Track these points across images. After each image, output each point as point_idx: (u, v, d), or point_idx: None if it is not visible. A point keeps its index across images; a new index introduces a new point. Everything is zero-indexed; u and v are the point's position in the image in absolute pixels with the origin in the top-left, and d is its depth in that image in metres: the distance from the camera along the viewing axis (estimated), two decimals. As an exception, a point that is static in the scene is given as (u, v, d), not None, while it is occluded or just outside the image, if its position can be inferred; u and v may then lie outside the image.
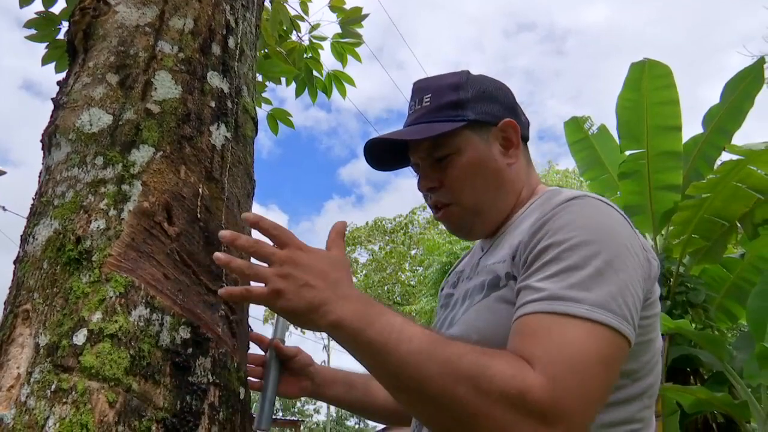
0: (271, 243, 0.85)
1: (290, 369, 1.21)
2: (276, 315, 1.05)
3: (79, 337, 0.92)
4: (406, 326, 0.80)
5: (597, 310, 0.80)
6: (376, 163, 1.16)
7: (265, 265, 0.82)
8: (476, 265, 1.10)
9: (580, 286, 0.82)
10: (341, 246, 0.91)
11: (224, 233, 0.83)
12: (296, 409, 31.37)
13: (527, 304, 0.84)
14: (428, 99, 1.09)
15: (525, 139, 1.13)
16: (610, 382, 0.81)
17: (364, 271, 21.45)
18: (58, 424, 0.85)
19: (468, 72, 1.12)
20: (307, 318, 0.81)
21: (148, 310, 0.98)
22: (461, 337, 0.88)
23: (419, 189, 1.12)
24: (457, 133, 1.06)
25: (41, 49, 2.79)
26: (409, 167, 1.18)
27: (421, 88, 1.12)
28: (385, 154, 1.15)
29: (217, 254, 0.83)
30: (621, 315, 0.81)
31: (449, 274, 1.28)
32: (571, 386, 0.75)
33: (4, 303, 1.04)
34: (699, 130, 5.53)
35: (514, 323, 0.85)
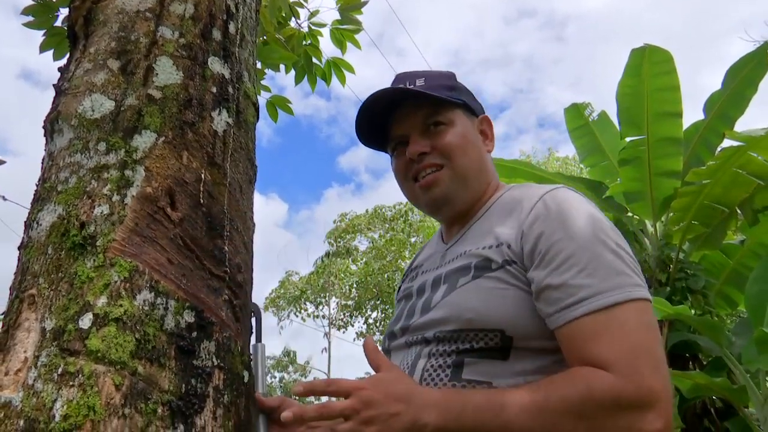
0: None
1: (276, 420, 1.09)
2: (255, 367, 1.07)
3: (85, 321, 0.93)
4: (491, 398, 0.87)
5: (630, 289, 0.90)
6: (365, 129, 1.22)
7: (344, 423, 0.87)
8: (443, 256, 1.15)
9: (608, 274, 0.90)
10: (385, 360, 0.96)
11: (287, 414, 0.89)
12: None
13: (570, 307, 0.91)
14: (422, 81, 1.16)
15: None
16: (659, 339, 0.91)
17: (364, 259, 21.49)
18: (65, 407, 0.86)
19: (453, 72, 1.23)
20: None
21: (153, 294, 0.98)
22: (534, 385, 0.93)
23: (408, 154, 1.15)
24: (453, 108, 1.15)
25: (39, 37, 2.78)
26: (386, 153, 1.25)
27: (412, 74, 1.18)
28: (371, 126, 1.21)
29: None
30: (642, 284, 0.92)
31: (405, 273, 1.32)
32: (644, 366, 0.84)
33: (10, 288, 1.05)
34: (697, 117, 5.52)
35: (564, 326, 0.92)
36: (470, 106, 1.18)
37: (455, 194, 1.13)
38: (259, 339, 1.19)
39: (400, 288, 1.29)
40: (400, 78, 1.18)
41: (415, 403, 0.86)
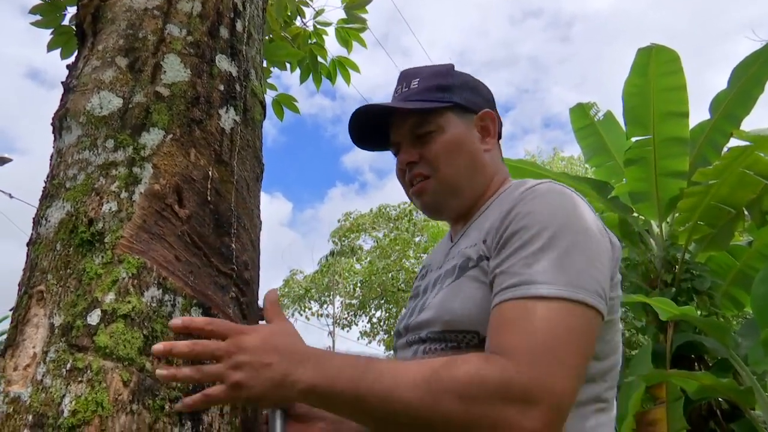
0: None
1: (295, 416, 1.07)
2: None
3: (93, 318, 0.94)
4: (371, 365, 0.82)
5: (567, 287, 0.84)
6: (358, 138, 1.20)
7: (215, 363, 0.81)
8: (447, 254, 1.14)
9: (550, 267, 0.85)
10: (280, 314, 0.92)
11: (156, 347, 0.82)
12: None
13: (501, 292, 0.87)
14: (416, 83, 1.15)
15: (499, 136, 1.20)
16: (586, 353, 0.85)
17: (368, 258, 21.49)
18: (74, 402, 0.86)
19: (452, 65, 1.20)
20: (277, 396, 0.81)
21: (161, 291, 0.99)
22: (435, 358, 0.89)
23: (399, 165, 1.15)
24: (441, 112, 1.12)
25: (46, 36, 2.79)
26: (389, 152, 1.22)
27: (409, 74, 1.18)
28: (369, 130, 1.19)
29: (159, 371, 0.82)
30: (591, 289, 0.85)
31: (419, 271, 1.32)
32: (547, 364, 0.79)
33: (18, 284, 1.05)
34: (703, 116, 5.49)
35: (492, 310, 0.89)
36: (464, 105, 1.14)
37: (444, 202, 1.13)
38: None
39: (414, 285, 1.29)
40: (400, 77, 1.19)
41: (291, 358, 0.81)
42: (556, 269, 0.85)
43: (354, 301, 21.66)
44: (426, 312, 1.04)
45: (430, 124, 1.11)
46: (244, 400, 0.83)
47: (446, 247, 1.18)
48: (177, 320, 0.85)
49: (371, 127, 1.18)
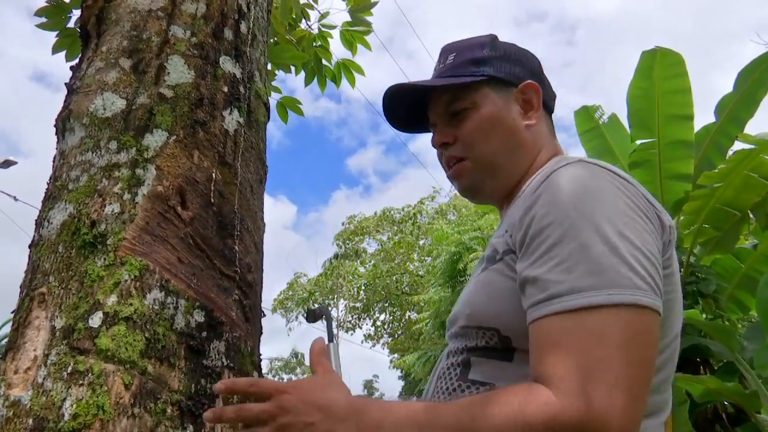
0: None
1: None
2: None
3: (95, 320, 0.93)
4: (415, 415, 0.78)
5: (616, 290, 0.74)
6: (396, 122, 1.13)
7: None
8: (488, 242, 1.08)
9: (595, 270, 0.75)
10: (324, 364, 0.89)
11: (207, 414, 0.80)
12: None
13: (535, 306, 0.79)
14: (452, 57, 1.07)
15: (549, 109, 1.10)
16: (648, 365, 0.75)
17: (372, 261, 21.48)
18: (74, 405, 0.86)
19: (495, 35, 1.11)
20: None
21: (163, 293, 0.98)
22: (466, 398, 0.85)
23: (433, 145, 1.09)
24: (476, 87, 1.03)
25: (52, 39, 2.80)
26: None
27: (447, 49, 1.10)
28: (406, 112, 1.12)
29: (206, 415, 0.80)
30: (635, 285, 0.75)
31: None
32: (597, 389, 0.69)
33: (20, 286, 1.05)
34: (708, 119, 5.47)
35: (531, 326, 0.81)
36: (502, 78, 1.04)
37: (482, 184, 1.05)
38: (330, 339, 1.15)
39: None
40: (441, 53, 1.11)
41: (333, 415, 0.80)
42: (598, 271, 0.75)
43: (358, 304, 21.66)
44: (456, 306, 1.00)
45: (464, 100, 1.04)
46: None
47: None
48: (221, 384, 0.85)
49: (409, 108, 1.11)
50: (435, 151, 1.11)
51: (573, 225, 0.80)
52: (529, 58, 1.12)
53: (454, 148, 1.05)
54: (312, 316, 1.14)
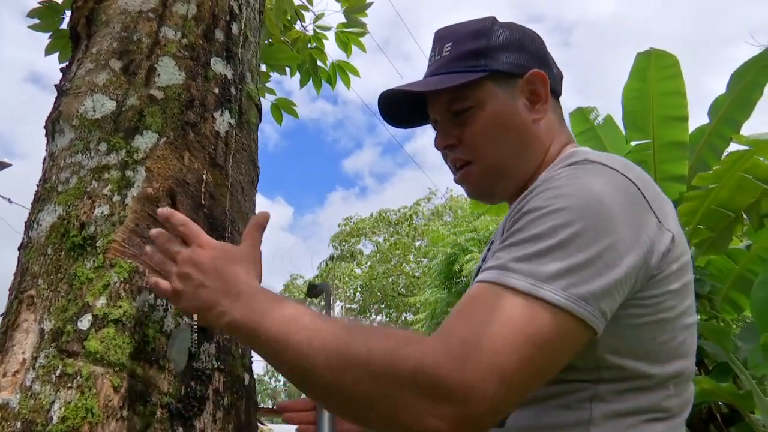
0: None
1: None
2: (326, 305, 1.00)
3: (84, 323, 0.92)
4: (301, 317, 0.74)
5: (544, 285, 0.70)
6: (394, 119, 1.07)
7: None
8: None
9: (536, 257, 0.72)
10: (255, 238, 0.87)
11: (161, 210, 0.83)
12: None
13: (486, 271, 0.75)
14: (449, 48, 0.99)
15: (557, 93, 1.04)
16: (545, 367, 0.71)
17: (368, 263, 21.48)
18: (63, 408, 0.85)
19: (494, 18, 1.03)
20: (204, 318, 0.78)
21: (153, 295, 0.97)
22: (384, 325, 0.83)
23: (436, 147, 1.02)
24: (478, 84, 0.96)
25: (46, 40, 2.79)
26: (429, 126, 1.07)
27: (442, 36, 1.02)
28: (403, 109, 1.06)
29: (160, 210, 0.84)
30: (576, 294, 0.70)
31: None
32: (479, 362, 0.66)
33: (9, 289, 1.04)
34: (702, 121, 5.49)
35: None
36: (505, 70, 0.97)
37: (492, 186, 1.00)
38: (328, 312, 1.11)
39: None
40: (434, 39, 1.03)
41: (228, 287, 0.78)
42: (542, 261, 0.72)
43: (354, 306, 21.65)
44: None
45: (467, 99, 0.96)
46: (180, 309, 0.84)
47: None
48: (164, 209, 0.84)
49: (407, 106, 1.05)
50: (431, 152, 1.07)
51: (546, 213, 0.77)
52: (532, 40, 1.04)
53: (459, 150, 0.99)
54: (313, 291, 1.09)
